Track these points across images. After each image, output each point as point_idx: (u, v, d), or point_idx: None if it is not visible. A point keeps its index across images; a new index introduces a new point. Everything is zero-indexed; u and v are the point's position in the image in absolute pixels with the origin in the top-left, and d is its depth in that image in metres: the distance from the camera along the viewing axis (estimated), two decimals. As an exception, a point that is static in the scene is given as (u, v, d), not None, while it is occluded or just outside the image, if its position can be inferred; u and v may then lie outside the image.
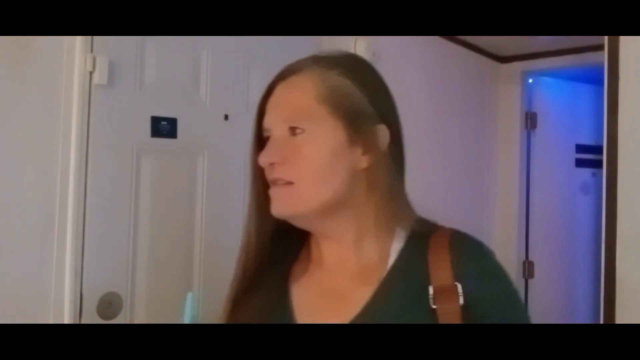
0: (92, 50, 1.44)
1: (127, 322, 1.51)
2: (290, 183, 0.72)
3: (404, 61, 2.40)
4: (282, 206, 0.74)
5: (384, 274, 0.74)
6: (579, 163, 3.15)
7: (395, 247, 0.77)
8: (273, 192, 0.74)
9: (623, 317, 1.70)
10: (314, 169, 0.72)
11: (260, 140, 0.77)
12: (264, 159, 0.74)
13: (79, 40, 1.42)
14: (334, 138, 0.73)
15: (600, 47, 1.88)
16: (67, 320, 1.40)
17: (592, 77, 2.86)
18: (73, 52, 1.42)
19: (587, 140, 3.13)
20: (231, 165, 1.75)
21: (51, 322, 1.38)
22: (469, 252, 0.80)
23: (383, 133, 0.76)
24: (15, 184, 1.34)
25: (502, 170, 3.01)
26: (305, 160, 0.72)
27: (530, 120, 3.02)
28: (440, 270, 0.72)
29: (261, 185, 0.77)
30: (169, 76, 1.61)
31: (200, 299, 0.71)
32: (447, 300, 0.69)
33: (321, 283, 0.78)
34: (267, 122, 0.76)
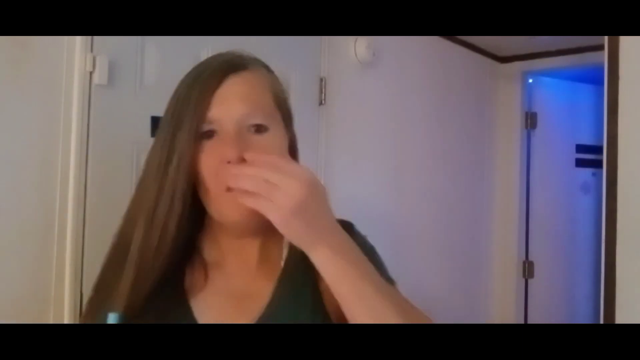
0: (92, 50, 1.44)
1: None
2: (256, 184, 0.64)
3: (404, 61, 2.40)
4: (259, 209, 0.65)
5: (279, 269, 0.76)
6: (579, 163, 3.15)
7: (287, 241, 0.76)
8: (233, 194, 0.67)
9: (623, 317, 1.71)
10: (276, 170, 0.65)
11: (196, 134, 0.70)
12: (231, 155, 0.66)
13: (79, 40, 1.42)
14: (283, 137, 0.75)
15: (600, 47, 1.88)
16: (67, 320, 1.40)
17: (592, 77, 2.87)
18: (73, 52, 1.42)
19: (587, 140, 3.13)
20: (231, 165, 1.75)
21: (51, 322, 1.38)
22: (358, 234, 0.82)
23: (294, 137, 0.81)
24: (15, 184, 1.34)
25: (502, 170, 3.01)
26: (267, 160, 0.66)
27: (530, 120, 3.02)
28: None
29: (190, 182, 0.70)
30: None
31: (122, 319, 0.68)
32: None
33: (226, 287, 0.75)
34: (216, 114, 0.70)
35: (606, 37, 1.81)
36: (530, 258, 3.01)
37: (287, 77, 1.93)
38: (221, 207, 0.70)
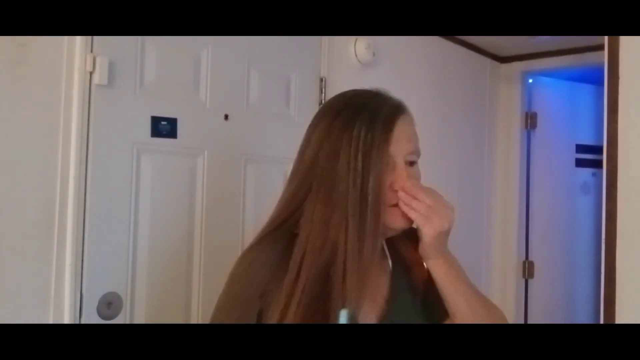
0: (92, 50, 1.44)
1: (127, 322, 1.51)
2: (415, 208, 0.86)
3: (404, 61, 2.40)
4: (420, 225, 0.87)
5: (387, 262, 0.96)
6: (579, 163, 3.15)
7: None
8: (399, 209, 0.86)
9: (623, 317, 1.70)
10: (428, 198, 0.87)
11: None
12: (403, 182, 0.86)
13: (79, 40, 1.42)
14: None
15: (600, 47, 1.88)
16: (67, 320, 1.40)
17: (592, 77, 2.87)
18: (73, 52, 1.42)
19: (587, 140, 3.13)
20: (231, 165, 1.75)
21: (51, 322, 1.38)
22: None
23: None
24: (15, 184, 1.34)
25: (502, 170, 3.01)
26: (421, 190, 0.87)
27: (530, 120, 3.02)
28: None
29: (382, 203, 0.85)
30: (169, 76, 1.61)
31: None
32: None
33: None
34: (394, 150, 0.85)
35: (606, 37, 1.81)
36: (530, 258, 3.01)
37: (288, 77, 1.93)
38: (391, 217, 0.86)
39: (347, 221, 0.82)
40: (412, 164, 0.88)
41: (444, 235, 0.87)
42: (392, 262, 0.95)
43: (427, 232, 0.85)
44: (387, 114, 0.87)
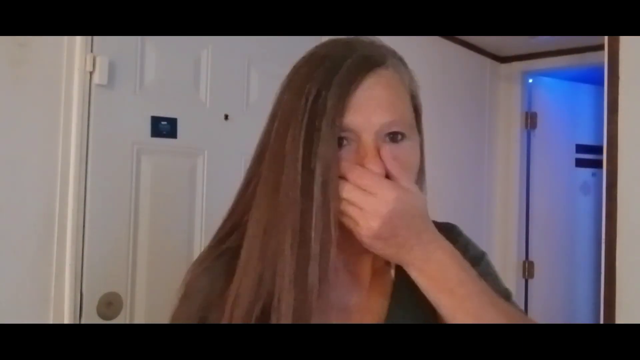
0: (92, 50, 1.44)
1: (127, 322, 1.51)
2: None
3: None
4: None
5: (390, 284, 0.71)
6: (579, 163, 3.15)
7: None
8: None
9: (623, 317, 1.70)
10: (415, 182, 0.65)
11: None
12: (377, 169, 0.60)
13: (79, 40, 1.42)
14: (419, 147, 0.68)
15: (600, 47, 1.88)
16: (67, 320, 1.40)
17: (592, 77, 2.87)
18: (73, 52, 1.42)
19: (587, 140, 3.13)
20: (231, 165, 1.75)
21: (51, 322, 1.38)
22: (459, 236, 0.78)
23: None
24: (15, 184, 1.34)
25: (502, 170, 3.01)
26: (411, 173, 0.64)
27: (530, 120, 3.02)
28: None
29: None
30: (169, 76, 1.61)
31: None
32: None
33: (338, 301, 0.69)
34: (354, 122, 0.61)
35: (606, 37, 1.81)
36: (530, 258, 3.01)
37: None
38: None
39: (287, 234, 0.60)
40: (393, 139, 0.63)
41: (381, 236, 0.59)
42: (396, 274, 0.71)
43: (360, 239, 0.61)
44: (348, 70, 0.61)
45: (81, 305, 1.43)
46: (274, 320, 0.60)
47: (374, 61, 0.64)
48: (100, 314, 1.45)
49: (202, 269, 0.74)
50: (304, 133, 0.60)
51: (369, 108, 0.62)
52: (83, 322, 1.42)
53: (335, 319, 0.67)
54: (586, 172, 3.16)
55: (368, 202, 0.59)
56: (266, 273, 0.61)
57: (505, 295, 0.71)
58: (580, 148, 3.15)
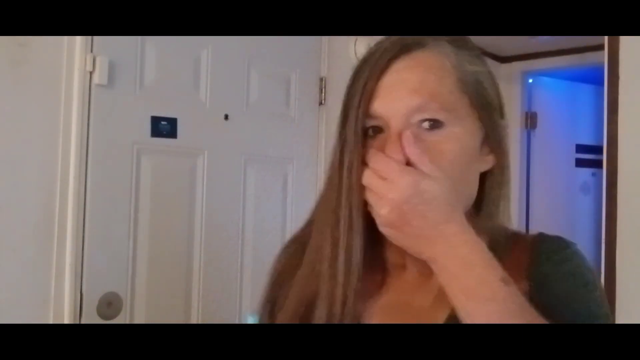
0: (92, 50, 1.44)
1: (127, 322, 1.51)
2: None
3: (404, 61, 2.40)
4: None
5: None
6: (579, 163, 3.15)
7: None
8: None
9: (623, 317, 1.70)
10: (455, 174, 0.59)
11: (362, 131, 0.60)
12: (395, 155, 0.56)
13: (79, 40, 1.42)
14: (475, 137, 0.62)
15: (600, 47, 1.88)
16: (67, 320, 1.40)
17: (592, 77, 2.87)
18: (73, 52, 1.42)
19: (587, 140, 3.13)
20: (231, 165, 1.75)
21: (51, 322, 1.38)
22: (548, 252, 0.65)
23: (507, 131, 0.65)
24: (15, 183, 1.34)
25: (502, 170, 3.00)
26: (446, 163, 0.58)
27: (530, 120, 3.02)
28: (514, 272, 0.58)
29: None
30: (169, 76, 1.61)
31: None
32: None
33: (401, 298, 0.66)
34: (381, 108, 0.59)
35: (606, 37, 1.81)
36: (530, 258, 3.01)
37: (288, 77, 1.93)
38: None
39: (327, 223, 0.61)
40: (431, 126, 0.59)
41: (393, 224, 0.56)
42: None
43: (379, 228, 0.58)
44: (380, 54, 0.60)
45: (81, 305, 1.43)
46: (317, 308, 0.61)
47: (408, 44, 0.60)
48: (100, 314, 1.45)
49: (282, 250, 0.74)
50: (339, 127, 0.61)
51: (396, 92, 0.59)
52: (83, 322, 1.42)
53: (396, 314, 0.65)
54: (586, 172, 3.16)
55: (381, 187, 0.56)
56: (317, 265, 0.62)
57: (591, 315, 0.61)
58: (580, 148, 3.15)
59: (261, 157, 1.83)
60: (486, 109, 0.63)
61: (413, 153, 0.56)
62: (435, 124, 0.59)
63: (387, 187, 0.55)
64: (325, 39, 2.05)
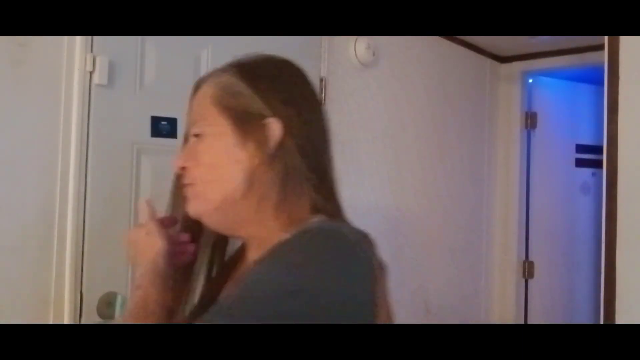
0: (92, 50, 1.44)
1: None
2: (193, 184, 0.79)
3: (404, 61, 2.40)
4: (188, 206, 0.80)
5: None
6: (579, 163, 3.15)
7: None
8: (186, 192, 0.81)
9: (623, 317, 1.70)
10: (208, 171, 0.77)
11: None
12: (173, 164, 0.84)
13: (79, 40, 1.42)
14: (223, 138, 0.76)
15: (600, 47, 1.88)
16: (67, 320, 1.40)
17: (592, 77, 2.87)
18: (73, 52, 1.42)
19: (587, 140, 3.13)
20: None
21: (51, 322, 1.38)
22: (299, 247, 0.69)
23: (273, 127, 0.74)
24: (15, 183, 1.34)
25: (502, 170, 3.01)
26: (201, 163, 0.77)
27: (530, 120, 3.02)
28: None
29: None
30: (169, 76, 1.61)
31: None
32: None
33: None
34: (186, 127, 0.82)
35: (606, 37, 1.81)
36: (530, 258, 3.01)
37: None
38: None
39: None
40: (196, 136, 0.79)
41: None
42: None
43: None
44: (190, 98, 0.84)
45: (81, 305, 1.43)
46: None
47: (197, 84, 0.84)
48: (100, 314, 1.45)
49: None
50: None
51: (186, 118, 0.83)
52: (83, 322, 1.42)
53: None
54: (586, 172, 3.16)
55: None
56: None
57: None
58: (580, 148, 3.15)
59: (261, 157, 1.83)
60: (236, 113, 0.76)
61: (178, 158, 0.83)
62: (198, 136, 0.78)
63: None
64: (325, 39, 2.05)
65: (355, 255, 0.66)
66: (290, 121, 0.74)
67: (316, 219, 0.73)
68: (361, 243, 0.68)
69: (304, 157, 0.74)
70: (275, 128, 0.73)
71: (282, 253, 0.67)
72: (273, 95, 0.76)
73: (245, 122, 0.75)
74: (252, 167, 0.73)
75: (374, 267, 0.68)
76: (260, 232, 0.74)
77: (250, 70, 0.80)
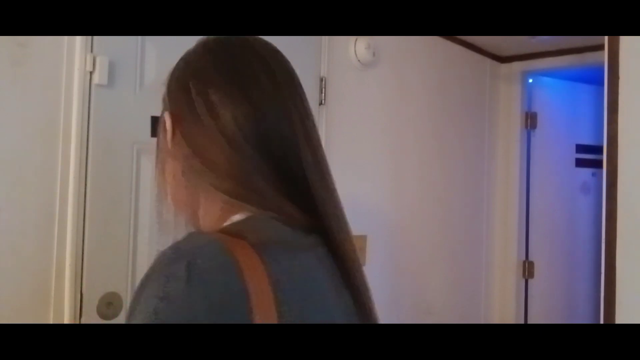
0: (92, 50, 1.44)
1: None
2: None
3: (404, 61, 2.40)
4: None
5: None
6: (579, 163, 3.15)
7: None
8: None
9: (623, 317, 1.70)
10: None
11: None
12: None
13: (79, 40, 1.42)
14: (163, 125, 0.73)
15: (600, 47, 1.88)
16: (67, 320, 1.40)
17: (592, 77, 2.87)
18: (73, 52, 1.42)
19: (587, 140, 3.13)
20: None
21: (51, 322, 1.38)
22: None
23: (163, 120, 0.72)
24: (15, 183, 1.34)
25: (502, 170, 3.01)
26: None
27: (530, 120, 3.02)
28: None
29: None
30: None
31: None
32: None
33: None
34: None
35: (606, 37, 1.81)
36: (530, 258, 3.01)
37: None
38: None
39: None
40: None
41: None
42: None
43: None
44: None
45: (81, 305, 1.43)
46: None
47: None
48: (100, 314, 1.45)
49: None
50: None
51: None
52: (83, 322, 1.42)
53: None
54: (586, 172, 3.16)
55: None
56: None
57: None
58: (580, 148, 3.15)
59: (261, 157, 1.82)
60: (170, 102, 0.74)
61: None
62: None
63: None
64: (325, 39, 2.05)
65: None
66: (175, 116, 0.71)
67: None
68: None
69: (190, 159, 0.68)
70: (165, 122, 0.72)
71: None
72: (169, 88, 0.76)
73: (170, 107, 0.76)
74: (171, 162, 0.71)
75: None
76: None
77: (179, 62, 0.81)
